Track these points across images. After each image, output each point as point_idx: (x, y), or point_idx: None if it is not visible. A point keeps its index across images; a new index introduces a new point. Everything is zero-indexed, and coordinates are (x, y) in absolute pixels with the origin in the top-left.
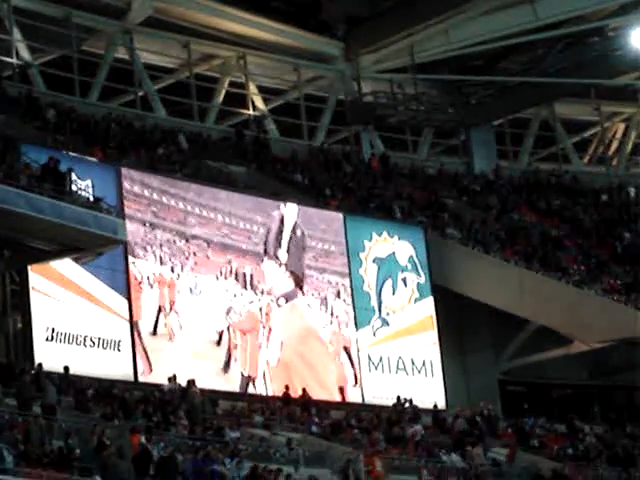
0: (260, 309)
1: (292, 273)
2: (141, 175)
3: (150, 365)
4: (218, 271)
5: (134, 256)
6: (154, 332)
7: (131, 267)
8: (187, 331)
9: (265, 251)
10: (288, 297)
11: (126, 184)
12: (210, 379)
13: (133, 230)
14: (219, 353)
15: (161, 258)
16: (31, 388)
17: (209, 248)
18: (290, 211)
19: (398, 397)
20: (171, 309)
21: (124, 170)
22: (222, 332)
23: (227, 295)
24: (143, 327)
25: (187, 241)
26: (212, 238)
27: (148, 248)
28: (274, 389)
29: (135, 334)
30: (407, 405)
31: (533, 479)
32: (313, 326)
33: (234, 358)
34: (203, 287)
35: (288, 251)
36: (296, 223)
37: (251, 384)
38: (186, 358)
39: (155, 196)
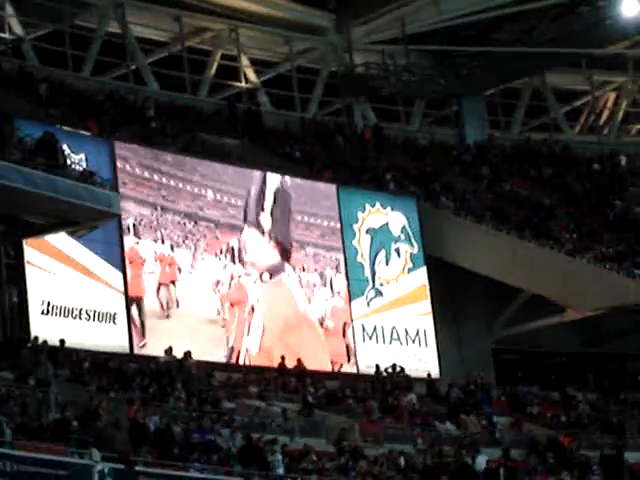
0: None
1: (277, 243)
2: (135, 151)
3: (144, 337)
4: (217, 248)
5: (137, 236)
6: (158, 308)
7: (135, 246)
8: (186, 307)
9: (245, 218)
10: (273, 271)
11: (120, 164)
12: (207, 352)
13: (134, 210)
14: (216, 329)
15: (162, 237)
16: (28, 361)
17: (201, 224)
18: (272, 175)
19: (394, 365)
20: (171, 286)
21: (117, 148)
22: (218, 309)
23: (223, 271)
24: (147, 304)
25: (184, 219)
26: (203, 214)
27: (150, 227)
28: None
29: (137, 309)
30: (401, 374)
31: (528, 446)
32: (301, 308)
33: (229, 332)
34: (200, 264)
35: (272, 215)
36: (280, 185)
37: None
38: (185, 333)
39: (153, 176)
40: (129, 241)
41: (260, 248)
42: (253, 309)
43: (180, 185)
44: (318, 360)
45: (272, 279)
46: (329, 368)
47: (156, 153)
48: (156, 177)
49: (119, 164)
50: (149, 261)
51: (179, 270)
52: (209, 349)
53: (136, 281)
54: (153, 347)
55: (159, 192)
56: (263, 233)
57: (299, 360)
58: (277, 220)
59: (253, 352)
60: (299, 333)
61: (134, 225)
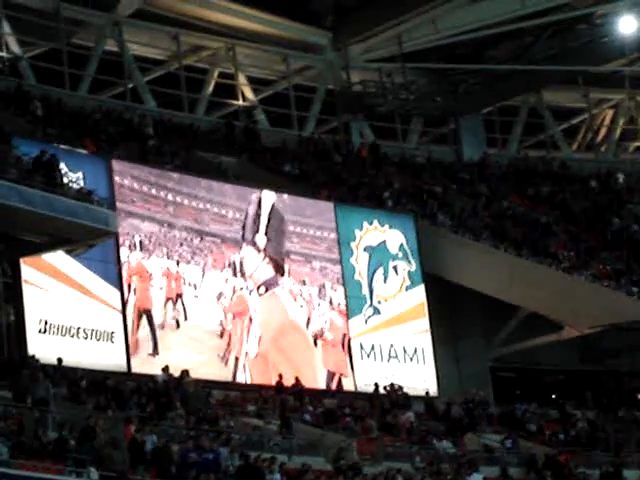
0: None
1: (271, 259)
2: (132, 168)
3: (157, 348)
4: (220, 263)
5: (143, 252)
6: (162, 323)
7: (142, 262)
8: (192, 320)
9: (243, 237)
10: (268, 285)
11: (117, 178)
12: (212, 367)
13: (144, 227)
14: (221, 342)
15: (168, 253)
16: (26, 380)
17: (205, 239)
18: (267, 195)
19: (392, 384)
20: (178, 300)
21: (115, 165)
22: (222, 322)
23: (225, 285)
24: (155, 316)
25: (189, 234)
26: (207, 229)
27: (155, 244)
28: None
29: (146, 321)
30: (399, 393)
31: (526, 464)
32: (293, 317)
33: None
34: (205, 278)
35: (266, 235)
36: (274, 206)
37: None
38: (191, 347)
39: (151, 190)
40: (136, 257)
41: (256, 264)
42: (251, 319)
43: (185, 201)
44: (310, 367)
45: (267, 292)
46: (321, 375)
47: (152, 172)
48: (162, 194)
49: (126, 182)
50: (156, 276)
51: (185, 284)
52: (214, 360)
53: (144, 295)
54: (161, 358)
55: (165, 208)
56: (259, 251)
57: (297, 379)
58: (271, 239)
59: (251, 356)
60: (291, 341)
61: (141, 242)
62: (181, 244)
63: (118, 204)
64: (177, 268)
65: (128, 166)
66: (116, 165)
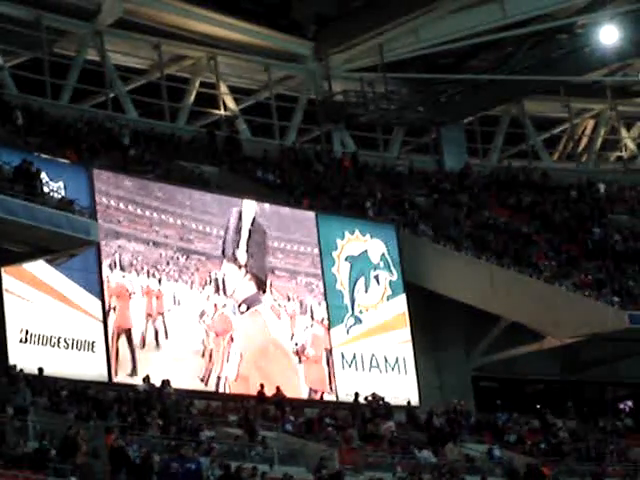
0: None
1: (253, 275)
2: (114, 180)
3: (135, 369)
4: (202, 280)
5: (122, 270)
6: (143, 341)
7: (121, 280)
8: (173, 340)
9: (223, 252)
10: (250, 303)
11: (97, 196)
12: (194, 382)
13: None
14: (202, 359)
15: (148, 271)
16: (6, 389)
17: (186, 256)
18: (248, 208)
19: (373, 394)
20: (157, 319)
21: (96, 180)
22: (204, 340)
23: (207, 302)
24: (134, 335)
25: (164, 250)
26: (187, 246)
27: (133, 261)
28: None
29: (125, 341)
30: (380, 402)
31: (507, 474)
32: (275, 336)
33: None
34: (185, 296)
35: (247, 251)
36: (255, 220)
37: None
38: (171, 366)
39: (132, 207)
40: (116, 276)
41: (237, 281)
42: (232, 338)
43: (164, 217)
44: (292, 386)
45: (248, 310)
46: (303, 394)
47: (142, 184)
48: (144, 211)
49: (104, 199)
50: (136, 294)
51: (165, 302)
52: (196, 379)
53: (124, 314)
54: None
55: (142, 226)
56: (240, 267)
57: (278, 388)
58: (252, 254)
59: (231, 379)
60: (273, 360)
61: (120, 260)
62: (163, 262)
63: (100, 222)
64: (158, 286)
65: (111, 181)
66: (99, 182)
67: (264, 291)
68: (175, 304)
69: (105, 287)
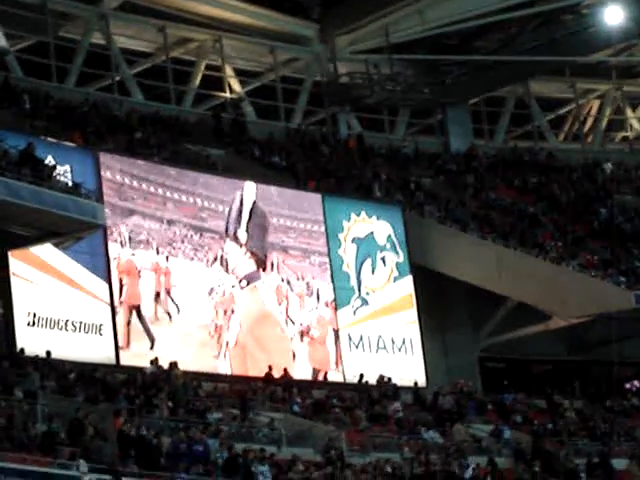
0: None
1: (253, 253)
2: (120, 161)
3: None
4: (208, 257)
5: (131, 247)
6: (153, 317)
7: (131, 257)
8: (182, 316)
9: (226, 232)
10: (250, 279)
11: (106, 173)
12: (204, 360)
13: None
14: (209, 334)
15: (157, 247)
16: (14, 373)
17: (196, 235)
18: (249, 190)
19: (381, 376)
20: (167, 295)
21: (102, 158)
22: (213, 318)
23: (214, 279)
24: (144, 311)
25: (172, 228)
26: (195, 224)
27: (144, 238)
28: (233, 370)
29: (136, 317)
30: (387, 383)
31: (515, 454)
32: (270, 310)
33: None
34: (194, 273)
35: (247, 231)
36: (255, 203)
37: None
38: (182, 342)
39: (141, 185)
40: (126, 253)
41: (238, 258)
42: (233, 310)
43: (168, 194)
44: (281, 350)
45: (248, 285)
46: (296, 366)
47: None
48: (151, 188)
49: (118, 177)
50: (145, 271)
51: (174, 279)
52: (206, 353)
53: (133, 290)
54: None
55: (151, 203)
56: (240, 245)
57: (285, 370)
58: (252, 234)
59: (231, 345)
60: (266, 330)
61: (130, 237)
62: (171, 240)
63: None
64: (166, 263)
65: (117, 160)
66: (104, 158)
67: (264, 269)
68: (183, 280)
69: (114, 266)
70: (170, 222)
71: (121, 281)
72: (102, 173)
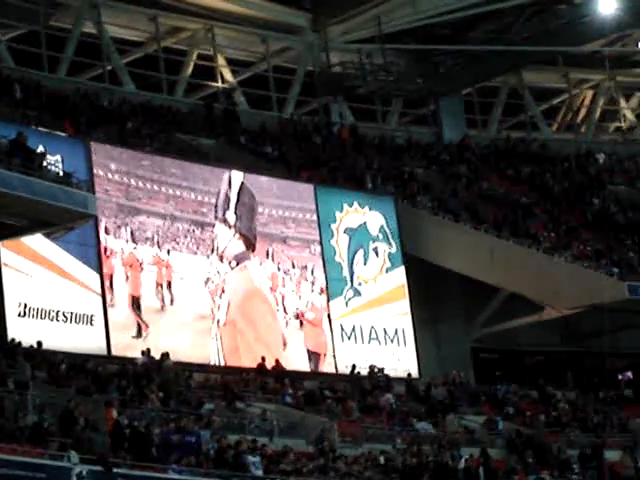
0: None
1: (242, 235)
2: (111, 152)
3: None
4: (204, 247)
5: (134, 242)
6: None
7: (133, 251)
8: (181, 306)
9: (216, 215)
10: (239, 259)
11: (97, 170)
12: (200, 349)
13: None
14: (208, 323)
15: (158, 242)
16: (3, 363)
17: (185, 225)
18: (236, 174)
19: (371, 366)
20: (168, 287)
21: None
22: (211, 306)
23: (211, 269)
24: (144, 302)
25: (170, 222)
26: (186, 215)
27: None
28: (224, 350)
29: (134, 308)
30: (380, 374)
31: (507, 445)
32: (259, 287)
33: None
34: (192, 264)
35: (236, 213)
36: (243, 185)
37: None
38: (180, 327)
39: (131, 180)
40: (128, 247)
41: (227, 239)
42: (223, 290)
43: (156, 187)
44: (265, 324)
45: (238, 266)
46: (287, 348)
47: (137, 156)
48: (133, 181)
49: (108, 173)
50: (146, 264)
51: (174, 271)
52: (203, 343)
53: (135, 282)
54: (153, 339)
55: (139, 196)
56: (229, 227)
57: (277, 361)
58: (241, 216)
59: (221, 323)
60: (255, 306)
61: (132, 232)
62: (171, 233)
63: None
64: (167, 257)
65: (110, 152)
66: (96, 148)
67: (253, 250)
68: (182, 272)
69: (118, 258)
70: (165, 217)
71: (127, 274)
72: (94, 166)
